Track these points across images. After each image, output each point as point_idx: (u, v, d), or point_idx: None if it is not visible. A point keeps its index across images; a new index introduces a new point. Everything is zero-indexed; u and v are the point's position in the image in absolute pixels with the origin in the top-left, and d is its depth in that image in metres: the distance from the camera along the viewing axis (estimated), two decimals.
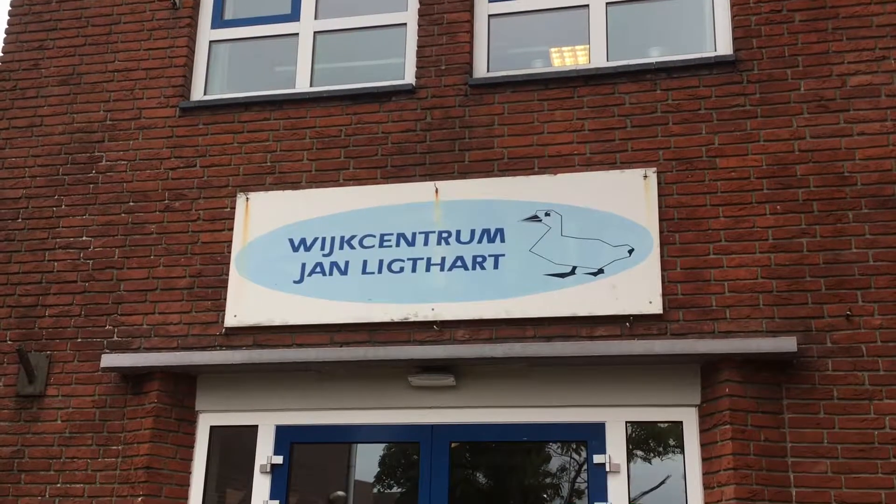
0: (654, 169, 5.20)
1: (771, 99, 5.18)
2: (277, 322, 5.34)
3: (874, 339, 4.67)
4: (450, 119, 5.58)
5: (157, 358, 5.31)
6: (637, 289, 5.00)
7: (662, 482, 5.05)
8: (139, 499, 5.10)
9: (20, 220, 5.92)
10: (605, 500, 4.88)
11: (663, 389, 4.96)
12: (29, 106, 6.20)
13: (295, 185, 5.63)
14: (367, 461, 6.31)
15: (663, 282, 4.99)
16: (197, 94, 6.11)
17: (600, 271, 5.08)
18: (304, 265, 5.43)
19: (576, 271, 5.11)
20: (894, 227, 4.82)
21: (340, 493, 6.36)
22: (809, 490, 4.53)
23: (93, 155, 5.97)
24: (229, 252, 5.55)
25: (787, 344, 4.64)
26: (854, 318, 4.71)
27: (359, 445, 6.47)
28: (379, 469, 6.77)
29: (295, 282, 5.41)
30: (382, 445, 6.60)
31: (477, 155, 5.48)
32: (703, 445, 4.82)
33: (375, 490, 5.96)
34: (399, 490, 6.48)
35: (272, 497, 5.19)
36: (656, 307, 4.95)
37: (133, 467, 5.18)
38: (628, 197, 5.18)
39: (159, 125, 5.95)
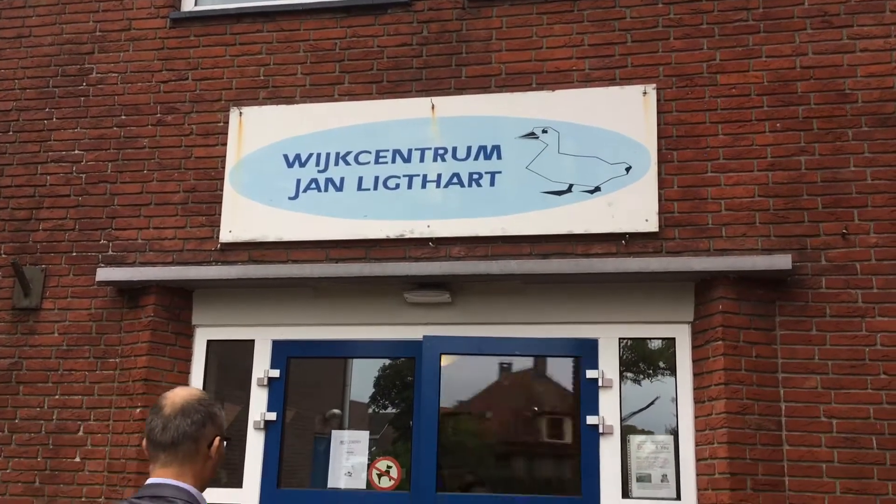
0: (654, 85, 5.13)
1: (774, 14, 5.08)
2: (272, 238, 5.32)
3: (869, 257, 4.69)
4: (446, 33, 5.47)
5: (152, 272, 5.31)
6: (634, 207, 4.98)
7: (652, 402, 5.13)
8: (137, 410, 5.16)
9: (11, 132, 5.84)
10: (597, 414, 4.96)
11: (657, 307, 5.00)
12: (17, 16, 6.06)
13: (289, 100, 5.55)
14: (362, 382, 6.38)
15: (660, 200, 4.97)
16: (188, 4, 5.97)
17: (597, 189, 5.06)
18: (298, 181, 5.39)
19: (572, 189, 5.09)
20: (893, 145, 4.79)
21: (336, 410, 6.46)
22: (799, 405, 4.61)
23: (83, 67, 5.86)
24: (223, 167, 5.50)
25: (782, 261, 4.66)
26: (850, 236, 4.72)
27: (354, 365, 6.53)
28: (374, 390, 6.87)
29: (290, 198, 5.38)
30: (378, 366, 6.66)
31: (474, 70, 5.39)
32: (695, 362, 4.88)
33: (370, 410, 6.04)
34: (394, 410, 6.58)
35: (270, 409, 5.26)
36: (652, 225, 4.95)
37: (131, 379, 5.24)
38: (627, 114, 5.12)
39: (150, 36, 5.83)
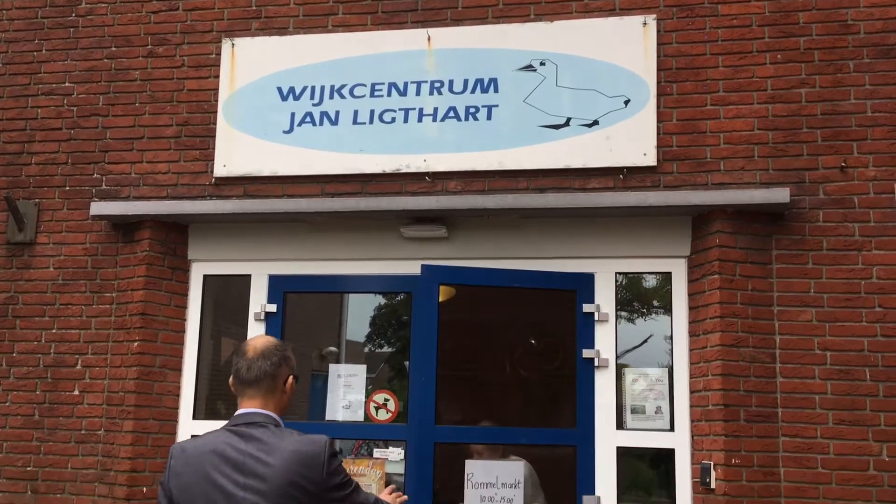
0: (654, 16, 5.04)
1: None
2: (267, 172, 5.28)
3: (867, 190, 4.67)
4: None
5: (146, 206, 5.28)
6: (632, 141, 4.94)
7: (647, 339, 5.16)
8: (135, 344, 5.18)
9: (1, 65, 5.75)
10: (593, 347, 4.99)
11: (654, 241, 4.99)
12: None
13: (282, 31, 5.44)
14: (357, 322, 6.41)
15: (658, 133, 4.93)
16: None
17: (595, 123, 5.01)
18: (293, 115, 5.33)
19: (570, 123, 5.04)
20: (895, 77, 4.74)
21: (332, 348, 6.50)
22: (794, 337, 4.63)
23: None
24: (216, 100, 5.42)
25: (780, 195, 4.64)
26: (848, 169, 4.70)
27: (350, 304, 6.55)
28: (370, 329, 6.90)
29: (284, 132, 5.32)
30: (373, 305, 6.68)
31: (470, 1, 5.29)
32: (690, 296, 4.89)
33: (366, 349, 6.08)
34: (389, 349, 6.62)
35: None
36: (650, 159, 4.91)
37: (128, 314, 5.24)
38: (626, 45, 5.04)
39: None
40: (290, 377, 2.82)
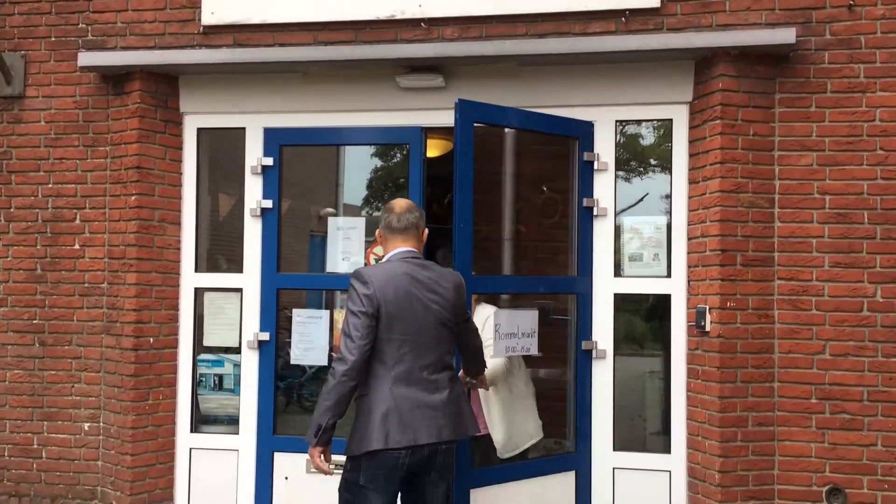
0: None
1: None
2: (257, 20, 5.11)
3: (874, 30, 4.54)
4: None
5: (135, 56, 5.14)
6: None
7: (645, 196, 5.13)
8: (132, 198, 5.16)
9: None
10: (592, 196, 4.98)
11: (655, 87, 4.89)
12: None
13: None
14: (354, 186, 6.37)
15: None
16: None
17: None
18: None
19: None
20: None
21: (330, 209, 6.50)
22: (793, 182, 4.61)
23: None
24: None
25: (786, 35, 4.51)
26: (856, 7, 4.55)
27: (347, 165, 6.50)
28: (367, 192, 6.88)
29: None
30: (371, 167, 6.63)
31: None
32: (691, 142, 4.84)
33: (363, 213, 6.06)
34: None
35: (265, 197, 5.26)
36: (654, 0, 4.75)
37: (123, 167, 5.20)
38: None
39: None
40: (426, 229, 3.79)
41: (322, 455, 3.48)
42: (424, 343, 3.52)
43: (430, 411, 3.47)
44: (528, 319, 4.65)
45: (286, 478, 5.16)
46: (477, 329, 3.95)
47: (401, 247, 3.67)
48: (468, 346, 3.91)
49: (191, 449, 5.29)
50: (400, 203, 3.75)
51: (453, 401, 3.56)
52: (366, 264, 5.29)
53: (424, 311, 3.52)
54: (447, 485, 3.59)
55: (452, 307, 3.61)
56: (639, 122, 5.08)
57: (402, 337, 3.47)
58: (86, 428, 5.26)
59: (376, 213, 6.45)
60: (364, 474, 3.43)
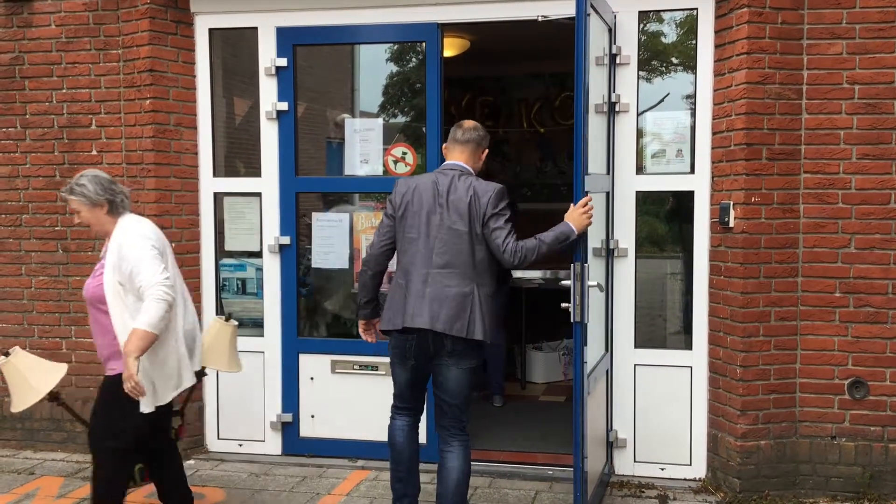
0: None
1: None
2: None
3: None
4: None
5: None
6: None
7: (663, 98, 5.00)
8: (147, 101, 5.10)
9: None
10: (614, 91, 4.86)
11: None
12: None
13: None
14: (370, 93, 6.24)
15: None
16: None
17: None
18: None
19: None
20: None
21: (346, 115, 6.39)
22: (822, 72, 4.48)
23: None
24: None
25: None
26: None
27: (362, 71, 6.36)
28: (383, 98, 6.75)
29: None
30: (386, 73, 6.49)
31: None
32: (716, 33, 4.69)
33: (381, 119, 5.96)
34: (404, 119, 6.51)
35: (280, 99, 5.18)
36: None
37: (136, 70, 5.12)
38: None
39: None
40: (486, 150, 4.05)
41: (364, 327, 4.17)
42: (433, 245, 3.83)
43: (426, 302, 3.78)
44: None
45: (312, 378, 5.24)
46: (501, 236, 3.79)
47: (454, 159, 3.95)
48: (493, 252, 3.85)
49: None
50: (469, 122, 4.07)
51: (455, 299, 3.78)
52: (384, 167, 5.25)
53: (429, 215, 3.84)
54: (460, 370, 3.85)
55: (459, 214, 3.80)
56: (661, 14, 4.92)
57: (411, 236, 3.87)
58: None
59: (393, 120, 6.37)
60: (390, 350, 3.97)
